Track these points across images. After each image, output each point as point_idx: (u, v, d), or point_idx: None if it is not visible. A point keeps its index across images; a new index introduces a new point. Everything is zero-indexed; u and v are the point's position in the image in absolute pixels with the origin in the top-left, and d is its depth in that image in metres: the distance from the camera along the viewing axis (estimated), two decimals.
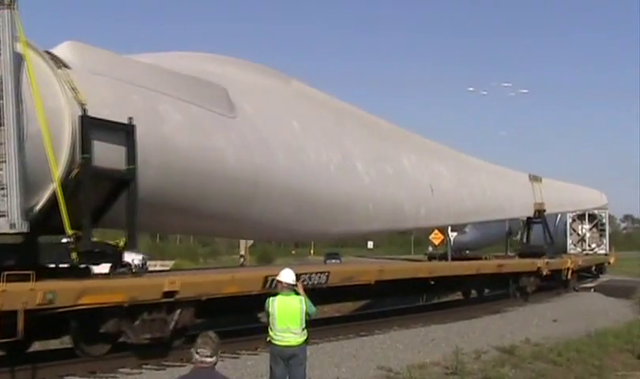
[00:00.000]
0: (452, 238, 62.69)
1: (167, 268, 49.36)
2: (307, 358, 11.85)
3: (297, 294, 11.81)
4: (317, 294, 21.03)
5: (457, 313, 29.24)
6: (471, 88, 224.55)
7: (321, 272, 20.92)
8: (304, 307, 11.56)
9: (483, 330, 23.82)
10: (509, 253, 56.96)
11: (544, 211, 42.33)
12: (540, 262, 36.63)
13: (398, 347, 19.79)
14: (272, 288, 16.04)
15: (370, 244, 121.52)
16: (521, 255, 42.16)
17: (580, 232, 58.84)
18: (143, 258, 47.39)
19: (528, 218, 43.01)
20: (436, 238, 58.78)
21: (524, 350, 19.62)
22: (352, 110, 25.87)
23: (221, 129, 17.05)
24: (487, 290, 36.20)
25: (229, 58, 20.65)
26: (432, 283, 27.58)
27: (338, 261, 56.85)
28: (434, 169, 29.42)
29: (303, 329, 11.56)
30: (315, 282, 20.07)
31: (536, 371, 16.84)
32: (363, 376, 15.80)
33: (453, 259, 49.96)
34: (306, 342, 11.69)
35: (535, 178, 42.59)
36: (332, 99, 24.71)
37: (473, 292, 35.86)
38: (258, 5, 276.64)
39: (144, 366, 17.13)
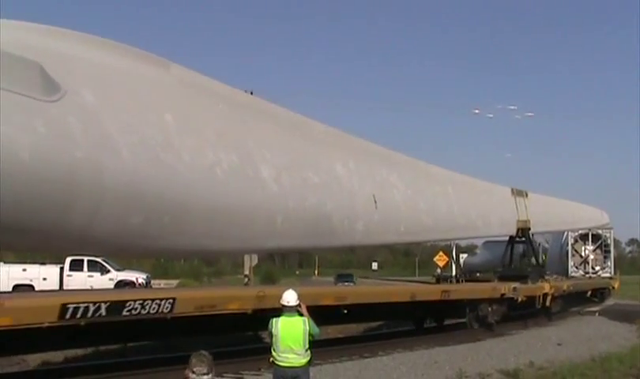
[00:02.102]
0: (461, 260, 61.45)
1: (172, 287, 49.56)
2: None
3: (300, 315, 11.81)
4: (159, 328, 18.39)
5: (460, 335, 28.63)
6: (477, 110, 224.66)
7: (162, 298, 16.98)
8: (307, 328, 11.56)
9: (487, 353, 23.67)
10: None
11: (529, 229, 38.13)
12: (505, 287, 32.14)
13: (401, 370, 19.76)
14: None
15: (374, 265, 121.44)
16: (502, 278, 37.39)
17: (583, 254, 53.78)
18: (147, 277, 47.50)
19: (511, 237, 38.85)
20: (440, 260, 58.11)
21: (528, 373, 19.49)
22: (270, 108, 21.28)
23: (18, 113, 12.67)
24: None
25: (77, 34, 15.82)
26: (345, 311, 23.35)
27: (352, 284, 53.94)
28: (381, 178, 24.81)
29: (307, 350, 11.56)
30: (153, 310, 16.42)
31: None
32: None
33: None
34: (309, 363, 11.68)
35: (519, 193, 38.13)
36: (238, 93, 20.15)
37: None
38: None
39: None
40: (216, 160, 16.75)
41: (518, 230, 37.94)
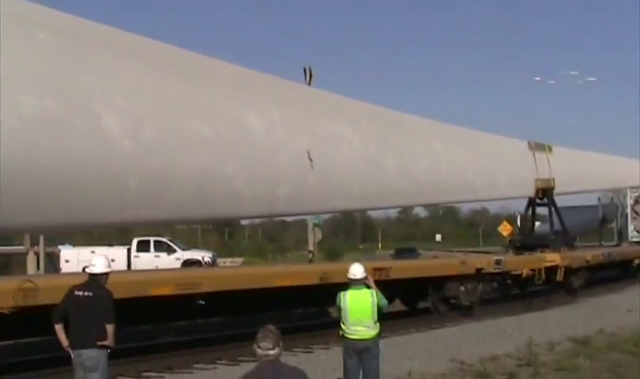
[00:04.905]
0: (535, 229, 59.38)
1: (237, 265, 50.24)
2: (381, 351, 11.96)
3: (368, 287, 11.88)
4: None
5: (526, 304, 28.57)
6: (537, 78, 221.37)
7: None
8: (376, 300, 11.62)
9: (555, 321, 23.52)
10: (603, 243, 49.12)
11: (553, 189, 33.49)
12: (481, 261, 27.03)
13: (470, 340, 19.73)
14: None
15: (438, 237, 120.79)
16: (522, 247, 33.63)
17: None
18: (213, 256, 48.18)
19: (531, 199, 34.50)
20: (505, 229, 57.35)
21: (598, 340, 19.25)
22: (144, 43, 16.07)
23: None
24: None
25: None
26: (200, 302, 18.30)
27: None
28: (323, 130, 19.83)
29: (376, 322, 11.63)
30: None
31: (612, 362, 16.22)
32: (437, 368, 15.62)
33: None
34: (378, 335, 11.75)
35: (539, 147, 33.33)
36: (84, 23, 14.51)
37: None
38: None
39: (217, 362, 17.52)
40: (14, 104, 12.02)
41: (538, 190, 33.44)
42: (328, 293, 18.90)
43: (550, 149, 34.35)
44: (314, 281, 20.45)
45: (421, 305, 26.76)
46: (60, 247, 45.10)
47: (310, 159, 18.57)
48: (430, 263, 29.17)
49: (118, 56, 14.60)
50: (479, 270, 26.07)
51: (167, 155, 14.89)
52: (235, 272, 25.67)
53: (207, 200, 16.34)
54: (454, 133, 28.55)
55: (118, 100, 13.99)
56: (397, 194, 23.42)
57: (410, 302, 26.91)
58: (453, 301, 25.88)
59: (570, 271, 31.33)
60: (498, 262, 27.16)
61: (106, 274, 10.87)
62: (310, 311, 24.85)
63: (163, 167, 14.79)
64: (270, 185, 17.71)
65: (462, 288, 25.63)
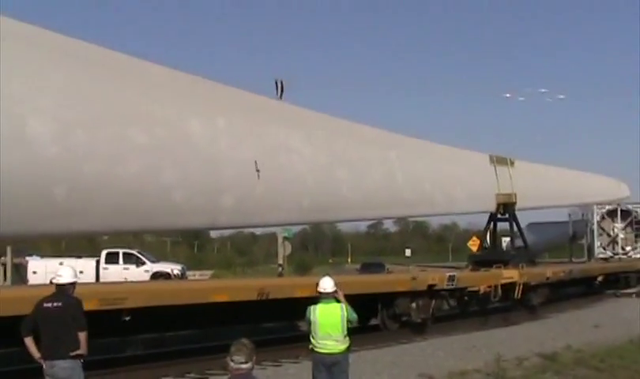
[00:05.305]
0: (504, 245, 59.56)
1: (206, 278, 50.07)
2: (350, 365, 11.95)
3: (338, 301, 11.88)
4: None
5: (495, 320, 28.69)
6: (508, 94, 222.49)
7: None
8: (345, 314, 11.62)
9: (524, 336, 23.69)
10: (574, 260, 49.80)
11: (514, 204, 33.00)
12: (432, 277, 25.87)
13: (439, 354, 19.77)
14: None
15: (407, 252, 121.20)
16: (481, 263, 32.63)
17: (611, 232, 48.68)
18: (182, 268, 47.94)
19: (492, 214, 34.05)
20: (474, 244, 57.48)
21: (565, 356, 19.34)
22: (74, 45, 15.03)
23: None
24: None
25: None
26: (127, 318, 16.53)
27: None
28: (272, 139, 19.04)
29: (345, 336, 11.62)
30: None
31: (579, 377, 16.40)
32: None
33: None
34: (348, 349, 11.74)
35: (501, 161, 32.56)
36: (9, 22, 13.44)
37: None
38: None
39: (186, 375, 17.43)
40: None
41: (499, 205, 32.85)
42: (269, 308, 19.82)
43: (512, 163, 33.75)
44: (252, 297, 19.45)
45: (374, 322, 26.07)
46: (28, 258, 44.62)
47: (258, 170, 17.82)
48: (379, 279, 28.55)
49: (46, 57, 13.79)
50: (431, 286, 25.08)
51: (99, 162, 14.03)
52: (166, 286, 23.50)
53: (142, 211, 15.45)
54: (411, 144, 27.67)
55: (44, 104, 13.16)
56: (349, 207, 22.69)
57: (361, 318, 25.60)
58: (404, 318, 25.05)
59: (528, 288, 30.64)
60: (451, 278, 26.14)
61: (72, 284, 10.74)
62: (279, 325, 24.75)
63: (94, 176, 13.93)
64: (213, 196, 16.90)
65: (413, 305, 24.67)
